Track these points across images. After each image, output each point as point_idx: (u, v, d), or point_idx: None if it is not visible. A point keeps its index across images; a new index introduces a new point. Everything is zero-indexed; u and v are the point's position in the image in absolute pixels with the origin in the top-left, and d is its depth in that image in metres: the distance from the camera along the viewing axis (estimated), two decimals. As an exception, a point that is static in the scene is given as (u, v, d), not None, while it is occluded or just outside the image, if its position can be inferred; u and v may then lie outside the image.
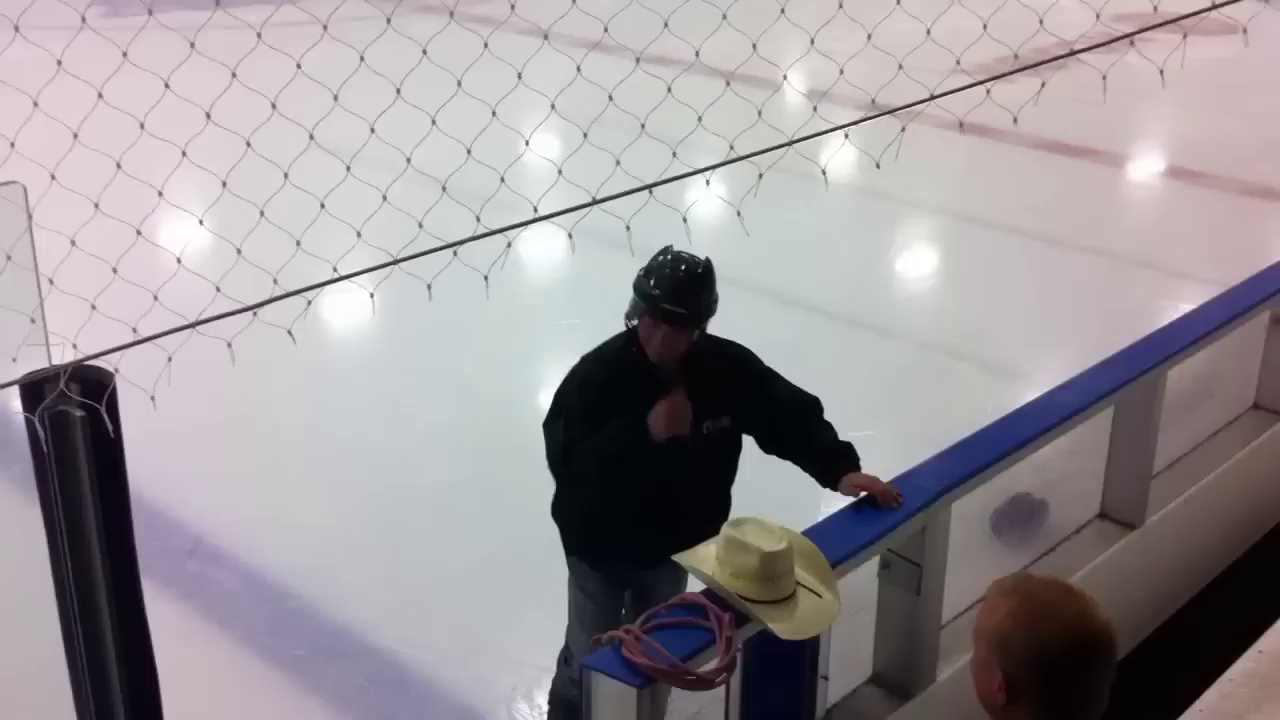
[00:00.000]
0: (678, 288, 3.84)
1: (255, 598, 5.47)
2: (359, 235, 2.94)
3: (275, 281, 2.76)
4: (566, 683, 4.28)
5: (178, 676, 4.82)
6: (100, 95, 2.64)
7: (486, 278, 2.67)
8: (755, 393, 4.07)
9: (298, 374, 7.34)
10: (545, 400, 6.91)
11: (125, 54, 2.84)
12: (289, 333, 2.65)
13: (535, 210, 2.98)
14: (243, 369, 6.95)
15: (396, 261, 2.55)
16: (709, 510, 4.00)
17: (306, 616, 5.37)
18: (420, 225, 2.97)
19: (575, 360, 4.11)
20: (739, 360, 4.09)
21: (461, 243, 2.63)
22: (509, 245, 2.64)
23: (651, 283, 3.85)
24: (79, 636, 2.69)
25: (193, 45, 2.96)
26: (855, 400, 7.08)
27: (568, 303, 8.27)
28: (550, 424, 4.08)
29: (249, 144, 3.01)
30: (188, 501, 6.06)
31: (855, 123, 3.02)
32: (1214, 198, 10.62)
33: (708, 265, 3.95)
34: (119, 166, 2.91)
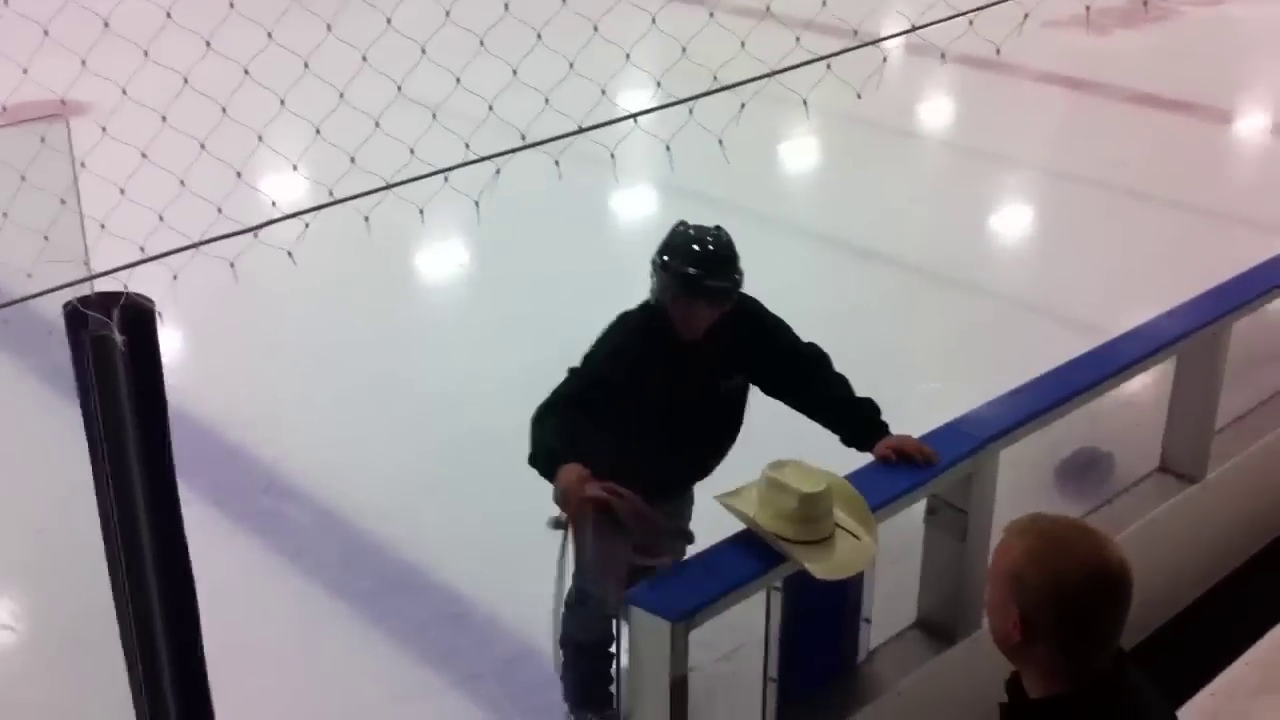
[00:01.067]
0: (720, 264, 3.82)
1: (326, 533, 5.63)
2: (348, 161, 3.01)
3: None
4: (582, 624, 4.32)
5: (249, 607, 5.06)
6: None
7: (477, 203, 2.73)
8: (767, 345, 4.03)
9: (381, 316, 7.54)
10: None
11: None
12: (289, 254, 2.74)
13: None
14: (326, 311, 7.14)
15: (389, 187, 2.63)
16: (721, 448, 4.14)
17: (375, 552, 5.52)
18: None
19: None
20: (750, 313, 4.01)
21: (453, 168, 2.70)
22: (498, 171, 2.71)
23: (685, 263, 3.78)
24: (120, 554, 2.82)
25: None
26: (928, 353, 7.10)
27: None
28: (574, 371, 3.97)
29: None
30: (264, 440, 6.24)
31: (837, 53, 3.02)
32: (1317, 153, 10.37)
33: (727, 233, 3.92)
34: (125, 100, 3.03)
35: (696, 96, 2.92)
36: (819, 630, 3.95)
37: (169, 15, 3.05)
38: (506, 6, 3.06)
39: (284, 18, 3.41)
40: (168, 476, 2.77)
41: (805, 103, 3.11)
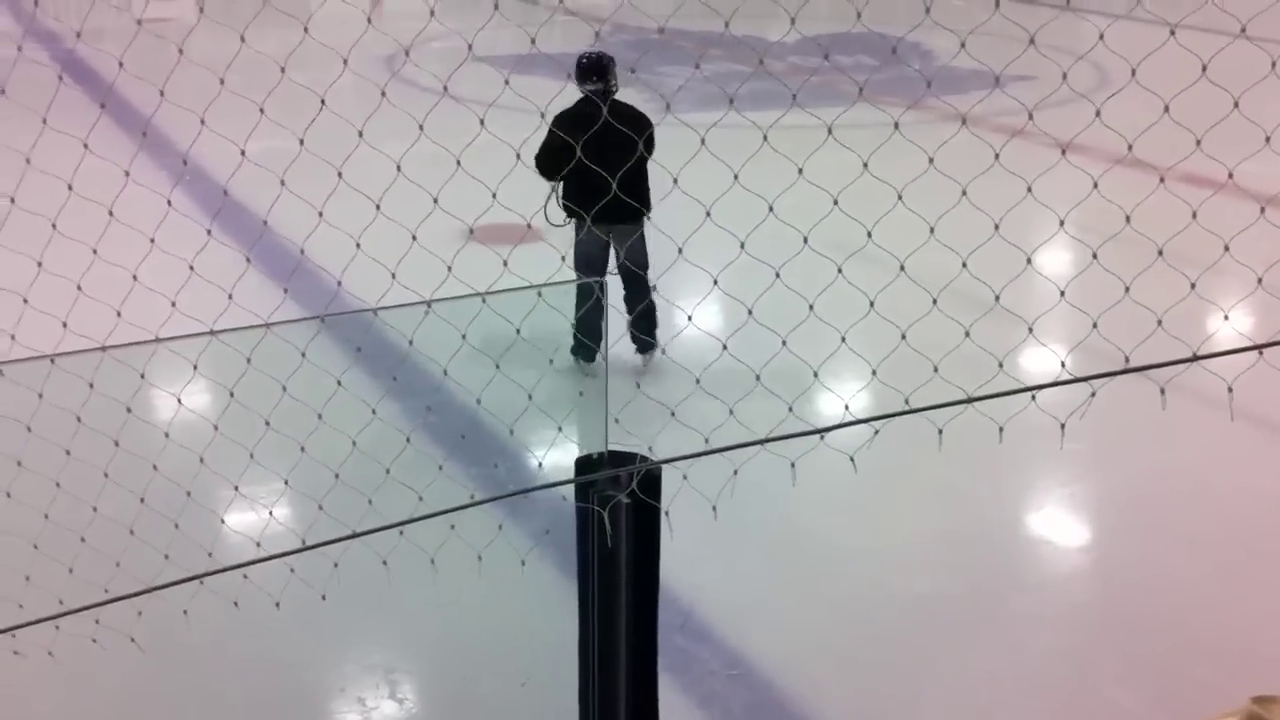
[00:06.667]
0: (586, 71, 8.13)
1: (734, 681, 5.57)
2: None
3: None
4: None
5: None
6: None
7: (1061, 427, 2.62)
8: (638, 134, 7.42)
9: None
10: (1032, 517, 6.82)
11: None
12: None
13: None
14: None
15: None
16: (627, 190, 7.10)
17: (778, 707, 5.42)
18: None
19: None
20: (638, 119, 8.02)
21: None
22: (1093, 393, 2.58)
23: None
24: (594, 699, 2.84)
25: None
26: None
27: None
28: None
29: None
30: (681, 576, 6.25)
31: None
32: None
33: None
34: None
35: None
36: None
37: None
38: (1127, 219, 2.95)
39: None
40: (652, 639, 2.78)
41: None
